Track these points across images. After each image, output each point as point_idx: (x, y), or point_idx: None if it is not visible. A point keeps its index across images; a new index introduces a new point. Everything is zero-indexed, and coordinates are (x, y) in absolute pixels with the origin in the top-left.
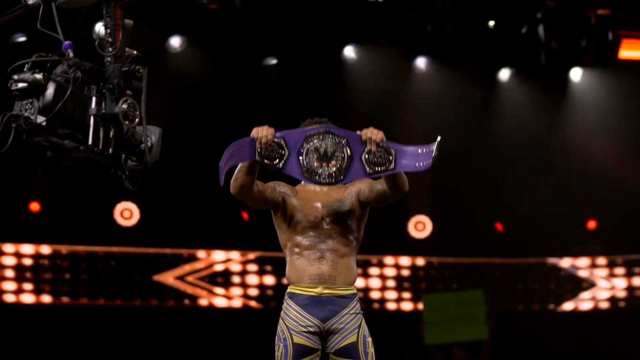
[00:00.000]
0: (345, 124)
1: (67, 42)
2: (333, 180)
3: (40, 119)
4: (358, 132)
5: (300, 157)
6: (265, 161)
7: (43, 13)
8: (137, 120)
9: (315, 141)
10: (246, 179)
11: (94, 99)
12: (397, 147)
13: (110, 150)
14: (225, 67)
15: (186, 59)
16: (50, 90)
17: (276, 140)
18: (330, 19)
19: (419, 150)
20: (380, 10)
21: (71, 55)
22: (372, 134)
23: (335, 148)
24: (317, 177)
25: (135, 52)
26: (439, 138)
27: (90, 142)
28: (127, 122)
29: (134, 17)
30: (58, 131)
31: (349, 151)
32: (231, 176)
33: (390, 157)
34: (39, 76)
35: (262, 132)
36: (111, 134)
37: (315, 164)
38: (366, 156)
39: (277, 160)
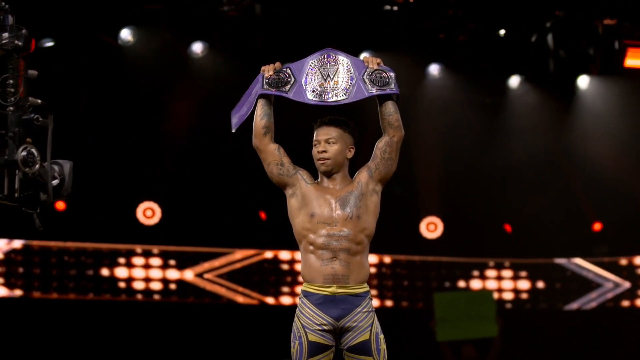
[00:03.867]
0: (362, 126)
1: None
2: (338, 99)
3: None
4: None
5: (306, 81)
6: (273, 90)
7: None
8: (37, 166)
9: (319, 64)
10: (258, 122)
11: None
12: (394, 73)
13: (17, 194)
14: (246, 71)
15: (208, 64)
16: None
17: (283, 69)
18: (347, 27)
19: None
20: (396, 19)
21: None
22: (374, 58)
23: (338, 68)
24: (323, 96)
25: (39, 101)
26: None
27: None
28: (27, 169)
29: (158, 25)
30: None
31: (351, 71)
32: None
33: (389, 80)
34: None
35: (269, 65)
36: (17, 177)
37: (320, 84)
38: (368, 76)
39: (285, 86)
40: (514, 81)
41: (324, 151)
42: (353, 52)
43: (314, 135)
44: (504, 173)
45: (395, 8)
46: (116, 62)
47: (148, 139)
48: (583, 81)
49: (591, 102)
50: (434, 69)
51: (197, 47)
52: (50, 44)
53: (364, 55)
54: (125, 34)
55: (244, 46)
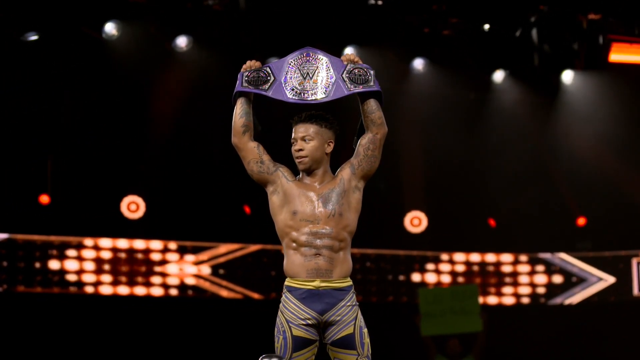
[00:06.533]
0: (344, 122)
1: None
2: (317, 97)
3: None
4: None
5: (285, 79)
6: (252, 87)
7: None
8: None
9: (298, 63)
10: (237, 121)
11: None
12: (373, 70)
13: None
14: (230, 65)
15: (192, 58)
16: None
17: (263, 68)
18: (332, 21)
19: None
20: (380, 13)
21: None
22: (352, 56)
23: (317, 67)
24: (302, 95)
25: None
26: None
27: None
28: None
29: (142, 19)
30: None
31: (331, 70)
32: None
33: (369, 77)
34: None
35: (248, 62)
36: None
37: (300, 82)
38: (347, 74)
39: (264, 84)
40: (499, 76)
41: (301, 149)
42: (338, 46)
43: (292, 133)
44: (488, 167)
45: (380, 2)
46: (100, 56)
47: (132, 133)
48: (567, 76)
49: (575, 97)
50: (418, 64)
51: (182, 41)
52: (34, 37)
53: (347, 50)
54: (110, 28)
55: (228, 40)
